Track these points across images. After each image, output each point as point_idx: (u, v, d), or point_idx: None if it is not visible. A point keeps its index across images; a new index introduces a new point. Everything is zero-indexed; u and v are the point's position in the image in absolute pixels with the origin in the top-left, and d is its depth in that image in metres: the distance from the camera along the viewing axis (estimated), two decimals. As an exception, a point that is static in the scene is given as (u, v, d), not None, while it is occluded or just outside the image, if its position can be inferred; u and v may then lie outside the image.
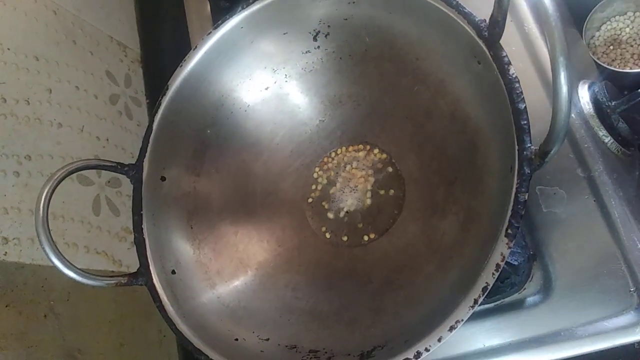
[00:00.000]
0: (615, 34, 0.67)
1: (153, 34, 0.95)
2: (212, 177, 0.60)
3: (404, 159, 0.59)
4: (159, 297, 0.51)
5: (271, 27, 0.57)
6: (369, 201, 0.60)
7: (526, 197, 0.37)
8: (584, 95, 0.54)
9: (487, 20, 0.41)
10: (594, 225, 0.51)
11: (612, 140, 0.53)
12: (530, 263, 0.53)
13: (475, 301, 0.37)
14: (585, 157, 0.52)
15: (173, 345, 0.79)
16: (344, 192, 0.61)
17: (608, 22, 0.68)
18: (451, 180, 0.53)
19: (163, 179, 0.56)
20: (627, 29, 0.67)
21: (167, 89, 0.56)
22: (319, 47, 0.59)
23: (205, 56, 0.56)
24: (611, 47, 0.67)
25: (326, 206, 0.62)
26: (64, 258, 0.48)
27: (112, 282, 0.51)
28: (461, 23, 0.44)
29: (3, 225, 0.58)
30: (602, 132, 0.53)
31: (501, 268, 0.37)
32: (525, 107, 0.39)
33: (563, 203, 0.52)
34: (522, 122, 0.38)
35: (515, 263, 0.51)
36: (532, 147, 0.38)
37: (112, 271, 0.71)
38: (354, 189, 0.60)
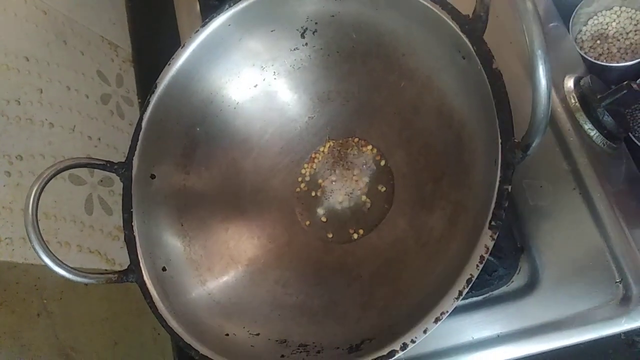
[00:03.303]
0: (602, 28, 0.68)
1: (144, 33, 0.95)
2: (202, 175, 0.61)
3: (392, 154, 0.59)
4: (149, 294, 0.51)
5: (259, 25, 0.57)
6: (358, 197, 0.60)
7: (509, 189, 0.38)
8: (570, 89, 0.54)
9: (471, 15, 0.42)
10: (580, 218, 0.51)
11: (597, 134, 0.53)
12: (517, 256, 0.53)
13: (460, 293, 0.38)
14: (571, 150, 0.52)
15: (167, 343, 0.79)
16: (333, 188, 0.61)
17: (595, 17, 0.68)
18: (439, 175, 0.53)
19: (153, 176, 0.56)
20: (614, 24, 0.67)
21: (155, 87, 0.56)
22: (306, 44, 0.59)
23: (194, 54, 0.56)
24: (598, 42, 0.67)
25: (316, 202, 0.62)
26: (54, 256, 0.48)
27: (103, 279, 0.51)
28: (445, 18, 0.44)
29: (-5, 225, 0.58)
30: (587, 126, 0.53)
31: (485, 260, 0.37)
32: (508, 100, 0.39)
33: (549, 196, 0.52)
34: (505, 116, 0.39)
35: (503, 256, 0.52)
36: (515, 140, 0.38)
37: (105, 269, 0.72)
38: (343, 185, 0.61)
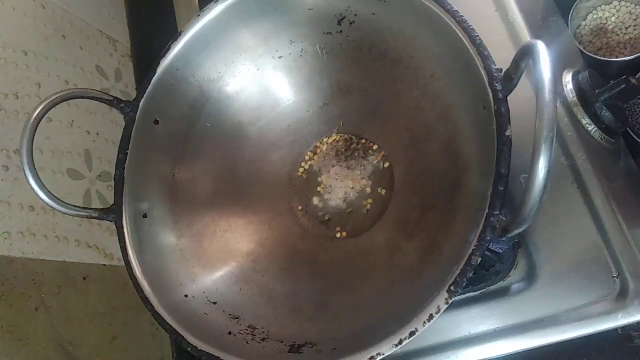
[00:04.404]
0: (601, 23, 0.68)
1: (143, 28, 0.95)
2: (206, 130, 0.60)
3: (395, 167, 0.59)
4: (124, 237, 0.52)
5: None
6: (356, 198, 0.60)
7: (479, 262, 0.37)
8: (568, 83, 0.54)
9: (503, 72, 0.40)
10: (577, 213, 0.51)
11: (595, 129, 0.53)
12: (515, 251, 0.53)
13: (401, 341, 0.38)
14: (568, 145, 0.52)
15: (166, 338, 0.80)
16: (330, 180, 0.61)
17: (594, 12, 0.68)
18: (428, 206, 0.53)
19: (156, 122, 0.56)
20: (613, 18, 0.67)
21: (180, 35, 0.55)
22: (341, 32, 0.58)
23: (227, 11, 0.55)
24: (597, 36, 0.67)
25: (309, 190, 0.62)
26: (41, 182, 0.50)
27: (84, 214, 0.52)
28: (478, 64, 0.42)
29: (-7, 219, 0.58)
30: (585, 121, 0.53)
31: (434, 320, 0.37)
32: (508, 174, 0.38)
33: (547, 191, 0.52)
34: (500, 188, 0.38)
35: (500, 251, 0.52)
36: (501, 216, 0.37)
37: (104, 265, 0.72)
38: (340, 181, 0.61)
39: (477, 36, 0.42)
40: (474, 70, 0.42)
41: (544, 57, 0.33)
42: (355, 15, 0.55)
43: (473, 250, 0.37)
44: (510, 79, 0.39)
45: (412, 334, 0.37)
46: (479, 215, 0.38)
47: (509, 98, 0.40)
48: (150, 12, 0.94)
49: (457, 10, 0.44)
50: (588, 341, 0.50)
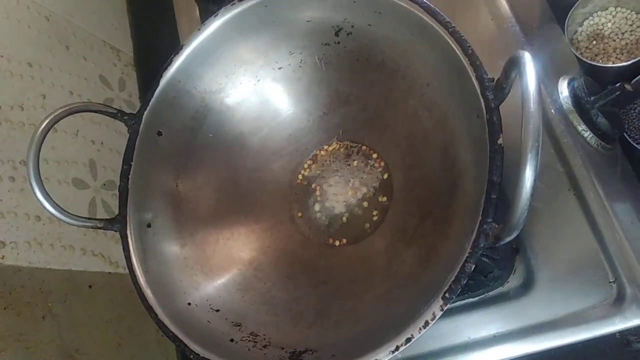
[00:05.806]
0: (597, 29, 0.68)
1: (146, 37, 0.96)
2: (208, 142, 0.61)
3: (393, 174, 0.60)
4: (128, 246, 0.53)
5: (297, 11, 0.56)
6: (352, 203, 0.60)
7: (472, 269, 0.38)
8: (564, 90, 0.55)
9: (494, 81, 0.40)
10: (574, 218, 0.52)
11: (591, 135, 0.54)
12: (512, 257, 0.54)
13: (397, 348, 0.38)
14: (564, 151, 0.53)
15: (171, 344, 0.80)
16: (330, 188, 0.62)
17: (590, 18, 0.69)
18: (426, 212, 0.53)
19: (160, 133, 0.57)
20: (609, 24, 0.67)
21: (181, 48, 0.56)
22: (339, 42, 0.58)
23: (226, 25, 0.56)
24: (594, 42, 0.68)
25: (309, 197, 0.63)
26: (47, 193, 0.51)
27: (89, 224, 0.54)
28: (470, 74, 0.42)
29: (0, 229, 0.59)
30: (581, 127, 0.54)
31: (429, 326, 0.38)
32: (500, 181, 0.38)
33: (544, 197, 0.53)
34: (492, 196, 0.38)
35: (498, 257, 0.52)
36: (493, 223, 0.38)
37: (109, 272, 0.73)
38: (340, 188, 0.61)
39: (469, 46, 0.43)
40: (466, 80, 0.43)
41: (530, 68, 0.34)
42: (352, 26, 0.56)
43: (467, 257, 0.38)
44: (502, 88, 0.39)
45: (408, 340, 0.38)
46: (473, 222, 0.39)
47: (503, 107, 0.40)
48: (153, 22, 0.95)
49: (449, 21, 0.44)
50: (587, 346, 0.51)
